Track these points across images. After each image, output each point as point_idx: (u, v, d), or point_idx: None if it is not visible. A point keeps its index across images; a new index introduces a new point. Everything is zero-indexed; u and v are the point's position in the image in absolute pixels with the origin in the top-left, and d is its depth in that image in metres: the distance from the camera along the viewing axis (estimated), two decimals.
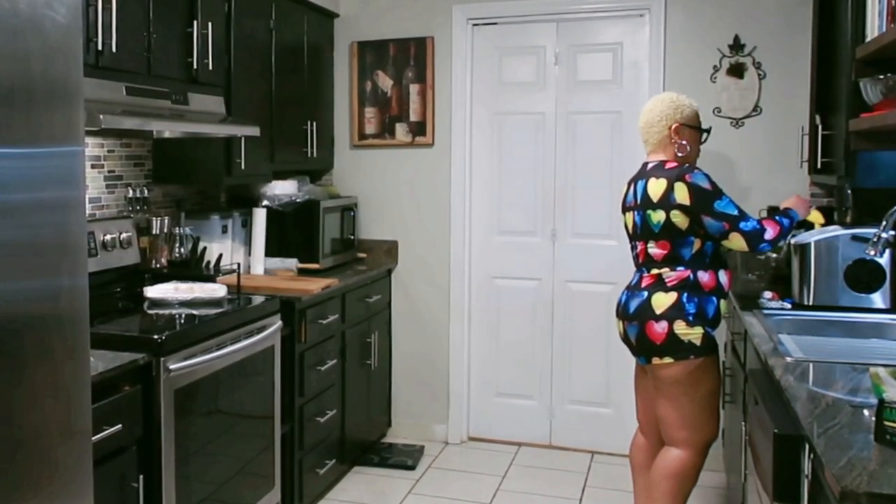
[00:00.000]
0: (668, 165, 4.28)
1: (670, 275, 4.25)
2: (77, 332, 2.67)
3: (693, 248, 4.23)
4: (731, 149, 5.90)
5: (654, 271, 4.31)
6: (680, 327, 4.18)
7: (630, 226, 4.48)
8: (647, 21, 6.13)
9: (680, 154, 4.37)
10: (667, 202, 4.19)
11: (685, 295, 4.21)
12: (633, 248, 4.50)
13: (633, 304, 4.33)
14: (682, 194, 4.14)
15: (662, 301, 4.23)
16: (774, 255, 5.47)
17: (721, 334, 5.69)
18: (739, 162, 5.91)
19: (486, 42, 6.57)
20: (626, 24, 6.24)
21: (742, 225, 4.12)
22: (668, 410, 4.37)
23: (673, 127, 4.36)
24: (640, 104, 6.07)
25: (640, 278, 4.38)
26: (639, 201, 4.34)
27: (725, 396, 4.94)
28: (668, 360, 4.23)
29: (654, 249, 4.31)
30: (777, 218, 4.24)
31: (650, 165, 4.38)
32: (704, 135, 4.49)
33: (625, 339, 4.45)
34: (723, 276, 4.30)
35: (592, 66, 6.34)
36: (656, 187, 4.24)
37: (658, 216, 4.23)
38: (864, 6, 4.16)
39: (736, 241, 4.16)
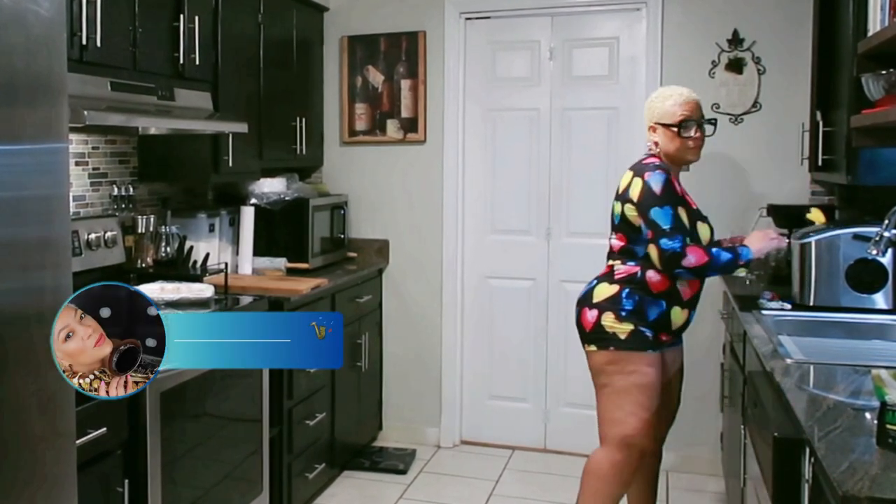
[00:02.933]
0: (646, 160, 4.37)
1: (620, 268, 4.36)
2: None
3: (647, 246, 4.24)
4: (729, 146, 5.90)
5: (610, 262, 4.44)
6: (608, 319, 4.29)
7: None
8: (643, 15, 6.13)
9: (651, 154, 4.42)
10: (624, 195, 4.30)
11: (626, 290, 4.29)
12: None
13: (583, 291, 4.49)
14: (635, 190, 4.23)
15: (603, 291, 4.35)
16: (774, 255, 5.48)
17: (719, 335, 5.71)
18: (738, 159, 5.92)
19: (480, 36, 6.57)
20: (622, 18, 6.25)
21: (662, 241, 4.12)
22: (596, 402, 4.49)
23: (650, 126, 4.44)
24: (637, 100, 6.07)
25: (603, 268, 4.49)
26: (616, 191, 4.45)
27: (724, 399, 4.94)
28: (592, 347, 4.38)
29: (614, 240, 4.43)
30: (713, 250, 4.21)
31: (639, 159, 4.48)
32: (680, 129, 4.35)
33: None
34: (683, 284, 4.29)
35: (588, 61, 6.35)
36: (624, 179, 4.36)
37: (618, 207, 4.35)
38: (865, 0, 4.16)
39: (653, 255, 4.20)
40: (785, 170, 5.81)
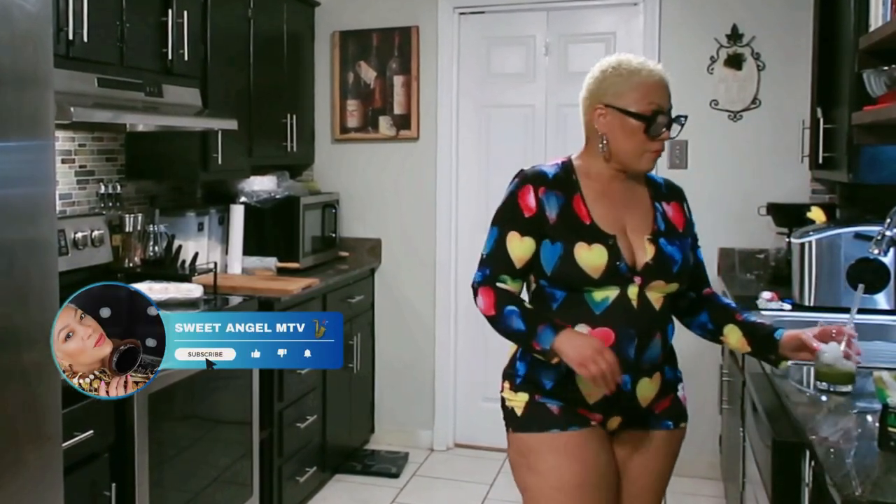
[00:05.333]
0: (549, 161, 3.34)
1: None
2: (47, 333, 2.66)
3: (530, 285, 3.19)
4: (728, 143, 5.91)
5: None
6: (505, 390, 3.19)
7: None
8: (641, 10, 6.14)
9: (602, 151, 3.20)
10: None
11: (520, 350, 3.14)
12: None
13: None
14: None
15: (509, 353, 3.23)
16: (773, 254, 5.49)
17: None
18: (737, 157, 5.92)
19: (474, 31, 6.57)
20: (619, 13, 6.25)
21: (476, 271, 3.13)
22: None
23: (597, 110, 3.19)
24: None
25: None
26: None
27: (723, 402, 4.94)
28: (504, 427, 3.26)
29: None
30: (509, 309, 3.00)
31: None
32: (652, 126, 3.08)
33: None
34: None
35: (584, 56, 6.32)
36: None
37: None
38: None
39: None
40: (785, 168, 5.82)
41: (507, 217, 3.09)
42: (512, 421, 3.13)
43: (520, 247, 3.05)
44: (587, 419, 3.04)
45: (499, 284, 3.04)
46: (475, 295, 3.07)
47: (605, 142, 3.15)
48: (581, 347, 2.83)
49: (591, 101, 3.19)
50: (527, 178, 3.11)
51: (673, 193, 3.28)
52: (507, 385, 3.16)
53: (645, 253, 3.03)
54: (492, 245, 3.10)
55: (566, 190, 3.13)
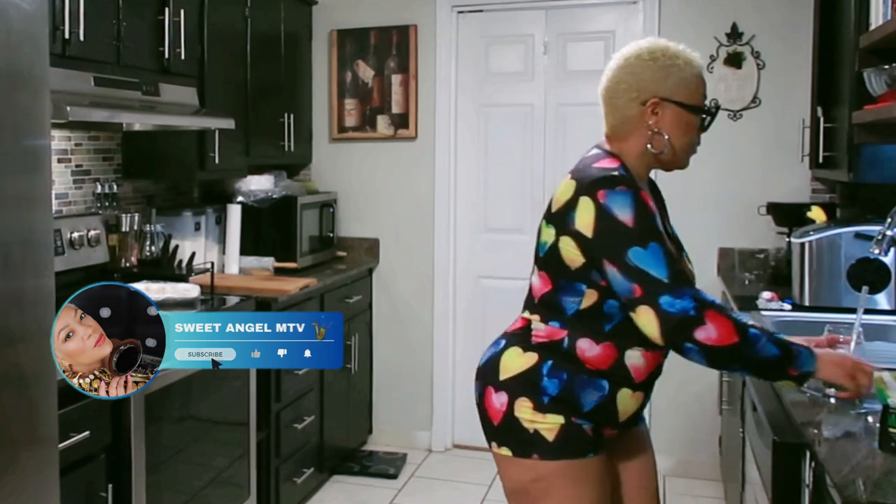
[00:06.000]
0: (600, 162, 2.86)
1: (539, 328, 2.94)
2: (43, 333, 2.66)
3: (582, 301, 2.85)
4: (728, 142, 5.90)
5: (527, 314, 3.02)
6: (523, 409, 2.86)
7: None
8: (640, 8, 6.14)
9: (653, 150, 2.88)
10: (563, 221, 2.85)
11: (548, 364, 2.86)
12: None
13: (486, 355, 3.09)
14: (584, 218, 2.76)
15: (513, 362, 2.94)
16: (773, 254, 5.49)
17: None
18: (737, 156, 5.92)
19: (472, 30, 6.57)
20: (618, 11, 6.25)
21: (663, 300, 2.62)
22: None
23: (649, 103, 2.86)
24: None
25: (516, 320, 3.11)
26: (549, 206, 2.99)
27: (723, 402, 4.94)
28: (505, 451, 2.94)
29: (536, 281, 3.02)
30: (754, 330, 2.65)
31: (590, 153, 3.00)
32: (707, 119, 2.93)
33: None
34: (634, 358, 2.85)
35: (583, 55, 6.34)
36: (563, 192, 2.88)
37: (548, 234, 2.94)
38: None
39: (643, 321, 2.67)
40: (785, 167, 5.82)
41: (653, 227, 2.70)
42: (537, 446, 2.83)
43: (673, 254, 2.74)
44: (607, 439, 2.93)
45: (702, 298, 2.66)
46: (699, 322, 2.59)
47: (666, 138, 2.86)
48: (843, 362, 2.73)
49: (640, 93, 2.86)
50: (635, 183, 2.76)
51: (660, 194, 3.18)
52: (527, 405, 2.84)
53: (689, 263, 2.98)
54: (664, 261, 2.65)
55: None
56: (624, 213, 2.67)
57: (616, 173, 2.76)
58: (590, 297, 2.81)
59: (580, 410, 2.82)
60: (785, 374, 2.68)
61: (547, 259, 2.90)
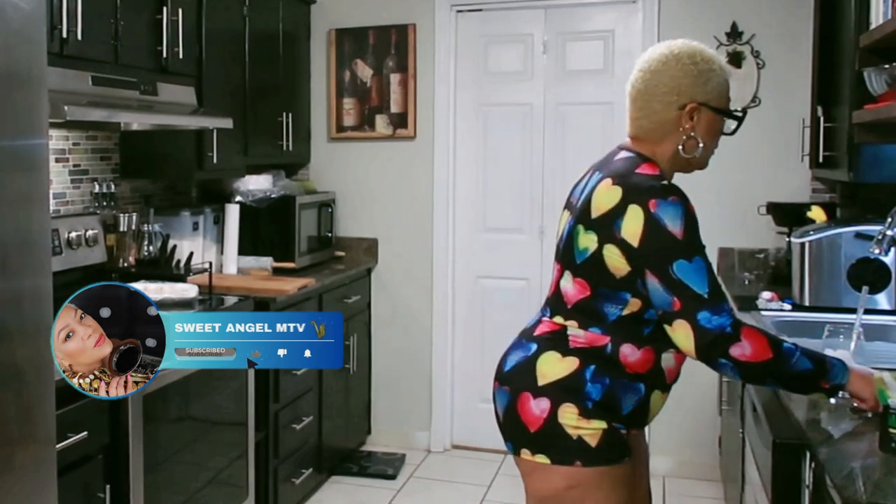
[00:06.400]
0: (642, 169, 2.86)
1: (577, 333, 2.89)
2: (41, 334, 2.66)
3: (624, 308, 2.83)
4: (727, 141, 5.85)
5: (559, 320, 2.95)
6: (567, 415, 2.83)
7: (558, 231, 3.13)
8: (639, 7, 6.14)
9: (684, 153, 2.91)
10: (607, 228, 2.79)
11: (590, 369, 2.83)
12: (554, 268, 3.10)
13: (513, 360, 3.06)
14: (632, 226, 2.73)
15: (552, 368, 2.89)
16: (773, 254, 5.49)
17: None
18: (736, 156, 5.89)
19: (471, 29, 6.57)
20: (617, 10, 6.25)
21: (701, 316, 2.64)
22: None
23: (688, 107, 2.88)
24: None
25: (538, 322, 3.06)
26: (578, 204, 2.98)
27: (723, 403, 4.94)
28: (541, 458, 2.88)
29: (569, 286, 2.94)
30: (787, 345, 2.67)
31: (620, 155, 3.01)
32: (734, 125, 3.01)
33: (495, 411, 3.16)
34: (668, 360, 2.89)
35: (582, 54, 6.35)
36: (605, 197, 2.82)
37: (588, 241, 2.85)
38: None
39: (679, 336, 2.70)
40: (785, 167, 5.82)
41: (699, 243, 2.73)
42: (579, 453, 2.81)
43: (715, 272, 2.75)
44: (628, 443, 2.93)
45: (737, 316, 2.70)
46: (735, 339, 2.62)
47: (701, 144, 2.92)
48: (871, 378, 2.72)
49: (680, 97, 2.87)
50: (684, 195, 2.77)
51: None
52: (572, 410, 2.81)
53: None
54: (706, 278, 2.67)
55: None
56: (675, 224, 2.68)
57: (666, 182, 2.78)
58: (633, 306, 2.81)
59: (619, 414, 2.83)
60: (818, 387, 2.69)
61: (587, 266, 2.85)
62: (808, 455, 2.63)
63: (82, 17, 4.09)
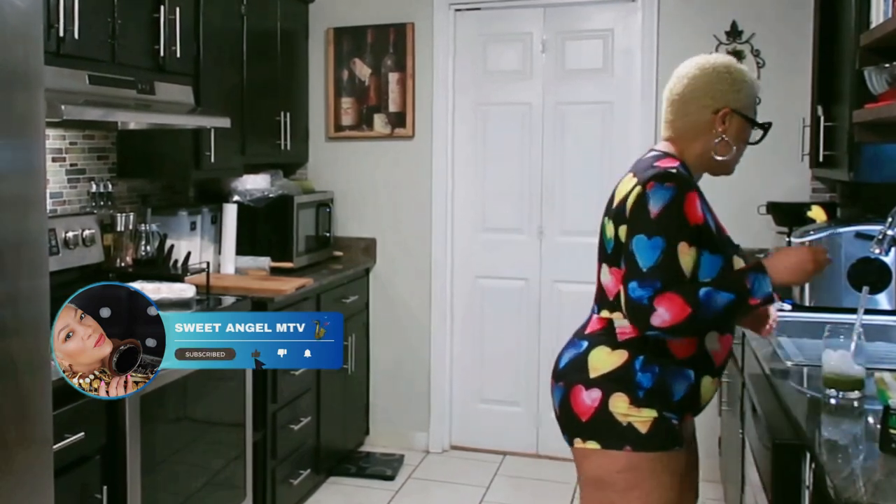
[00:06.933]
0: (661, 162, 3.04)
1: (624, 324, 3.02)
2: (37, 334, 2.66)
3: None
4: None
5: (605, 314, 3.11)
6: (618, 404, 2.97)
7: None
8: (639, 6, 6.14)
9: (717, 155, 3.11)
10: (619, 211, 3.03)
11: (639, 359, 2.98)
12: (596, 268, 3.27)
13: (566, 358, 3.19)
14: (631, 205, 2.97)
15: (603, 361, 3.04)
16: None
17: None
18: None
19: (470, 28, 6.57)
20: (617, 9, 6.25)
21: (630, 286, 2.86)
22: None
23: (721, 112, 3.08)
24: (632, 94, 6.10)
25: (588, 321, 3.22)
26: (606, 204, 3.20)
27: (722, 403, 4.94)
28: (592, 445, 3.04)
29: (607, 279, 3.12)
30: (704, 291, 2.82)
31: (648, 154, 3.21)
32: (760, 133, 3.20)
33: (554, 408, 3.28)
34: (712, 343, 3.02)
35: (581, 53, 6.35)
36: (623, 188, 3.06)
37: (610, 229, 3.09)
38: None
39: (623, 301, 2.93)
40: (785, 166, 5.82)
41: (673, 228, 2.88)
42: (629, 438, 2.96)
43: (684, 259, 2.88)
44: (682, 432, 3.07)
45: (666, 287, 2.83)
46: (648, 313, 2.81)
47: (734, 147, 3.12)
48: (795, 257, 2.96)
49: (714, 103, 3.09)
50: (688, 183, 2.98)
51: None
52: (624, 400, 2.96)
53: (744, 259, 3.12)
54: (658, 256, 2.84)
55: (703, 197, 3.08)
56: (655, 205, 2.87)
57: (673, 171, 2.95)
58: None
59: (670, 402, 2.97)
60: (751, 307, 2.88)
61: (615, 253, 3.04)
62: (808, 456, 2.63)
63: (79, 15, 4.08)
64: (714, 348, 3.01)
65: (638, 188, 2.93)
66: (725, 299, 2.81)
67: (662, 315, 2.78)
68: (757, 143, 3.19)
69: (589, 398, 3.01)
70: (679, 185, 2.91)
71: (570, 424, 3.11)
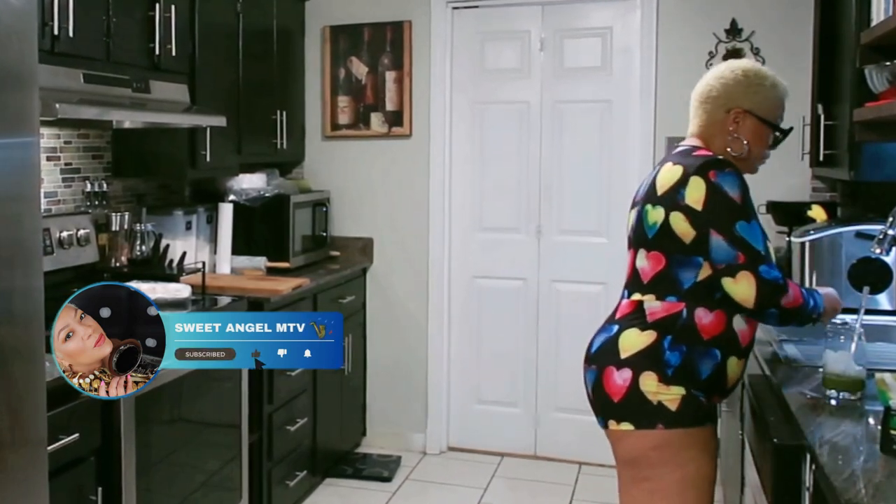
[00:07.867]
0: (699, 152, 3.24)
1: (654, 306, 3.19)
2: (32, 334, 2.66)
3: (699, 273, 3.13)
4: None
5: (636, 297, 3.27)
6: (648, 382, 3.12)
7: (628, 227, 3.43)
8: (638, 4, 6.14)
9: (732, 151, 3.28)
10: (672, 198, 3.14)
11: (668, 339, 3.14)
12: (628, 256, 3.43)
13: (598, 342, 3.33)
14: (695, 194, 3.09)
15: (632, 341, 3.19)
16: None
17: None
18: None
19: (467, 26, 6.57)
20: (615, 7, 6.25)
21: (762, 269, 3.04)
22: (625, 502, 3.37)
23: (733, 111, 3.30)
24: (631, 92, 6.10)
25: (619, 306, 3.36)
26: (643, 194, 3.32)
27: (723, 405, 4.94)
28: (625, 425, 3.18)
29: (644, 263, 3.26)
30: (805, 290, 3.16)
31: (678, 148, 3.37)
32: (777, 136, 3.45)
33: (587, 392, 3.39)
34: (739, 323, 3.18)
35: (580, 52, 6.35)
36: (668, 176, 3.19)
37: (656, 215, 3.18)
38: None
39: (742, 286, 3.04)
40: (785, 165, 5.79)
41: (754, 211, 3.16)
42: (661, 416, 3.12)
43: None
44: (716, 410, 3.32)
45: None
46: (784, 290, 3.08)
47: (745, 143, 3.32)
48: (835, 302, 3.33)
49: (728, 103, 3.32)
50: (736, 167, 3.19)
51: None
52: (653, 378, 3.12)
53: None
54: (763, 238, 3.13)
55: None
56: (733, 191, 3.09)
57: (721, 158, 3.19)
58: (706, 270, 3.13)
59: (698, 380, 3.13)
60: (809, 319, 3.19)
61: (659, 238, 3.19)
62: (808, 457, 2.63)
63: (74, 13, 4.08)
64: (741, 328, 3.17)
65: (696, 179, 3.11)
66: (811, 305, 3.17)
67: (790, 297, 3.08)
68: (773, 147, 3.44)
69: (620, 378, 3.17)
70: (735, 168, 3.16)
71: (604, 406, 3.24)
